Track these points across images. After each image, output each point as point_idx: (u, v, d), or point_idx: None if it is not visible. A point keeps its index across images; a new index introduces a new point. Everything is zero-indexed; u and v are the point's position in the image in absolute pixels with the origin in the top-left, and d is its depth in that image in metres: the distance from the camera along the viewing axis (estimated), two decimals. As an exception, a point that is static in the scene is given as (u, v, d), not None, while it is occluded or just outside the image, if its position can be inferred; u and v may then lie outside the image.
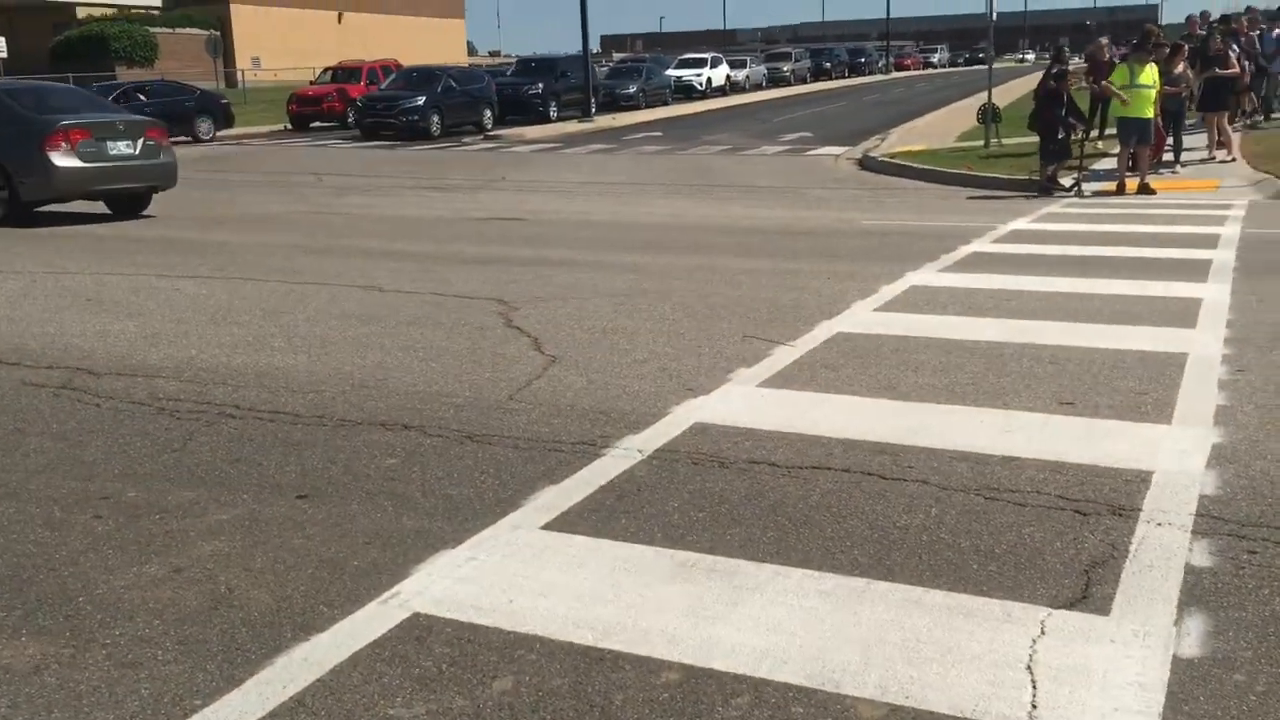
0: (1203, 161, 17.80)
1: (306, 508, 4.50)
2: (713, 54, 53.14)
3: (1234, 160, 17.73)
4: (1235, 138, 19.15)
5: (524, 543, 4.09)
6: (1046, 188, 15.81)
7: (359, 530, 4.26)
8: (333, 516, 4.40)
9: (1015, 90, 34.36)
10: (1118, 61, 17.79)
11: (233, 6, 68.58)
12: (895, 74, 72.29)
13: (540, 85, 34.97)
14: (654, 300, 8.51)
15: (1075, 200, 14.99)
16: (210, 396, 6.14)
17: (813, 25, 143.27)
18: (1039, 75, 18.22)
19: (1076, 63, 26.09)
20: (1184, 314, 7.55)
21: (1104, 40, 21.79)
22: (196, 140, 30.42)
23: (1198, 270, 9.15)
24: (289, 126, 35.47)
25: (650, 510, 4.38)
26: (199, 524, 4.36)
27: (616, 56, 58.49)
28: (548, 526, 4.24)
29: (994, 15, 21.20)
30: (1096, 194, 15.49)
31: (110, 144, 14.07)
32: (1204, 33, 20.62)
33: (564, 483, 4.69)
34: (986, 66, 24.61)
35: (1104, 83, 16.99)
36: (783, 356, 6.70)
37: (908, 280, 9.02)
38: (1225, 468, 4.64)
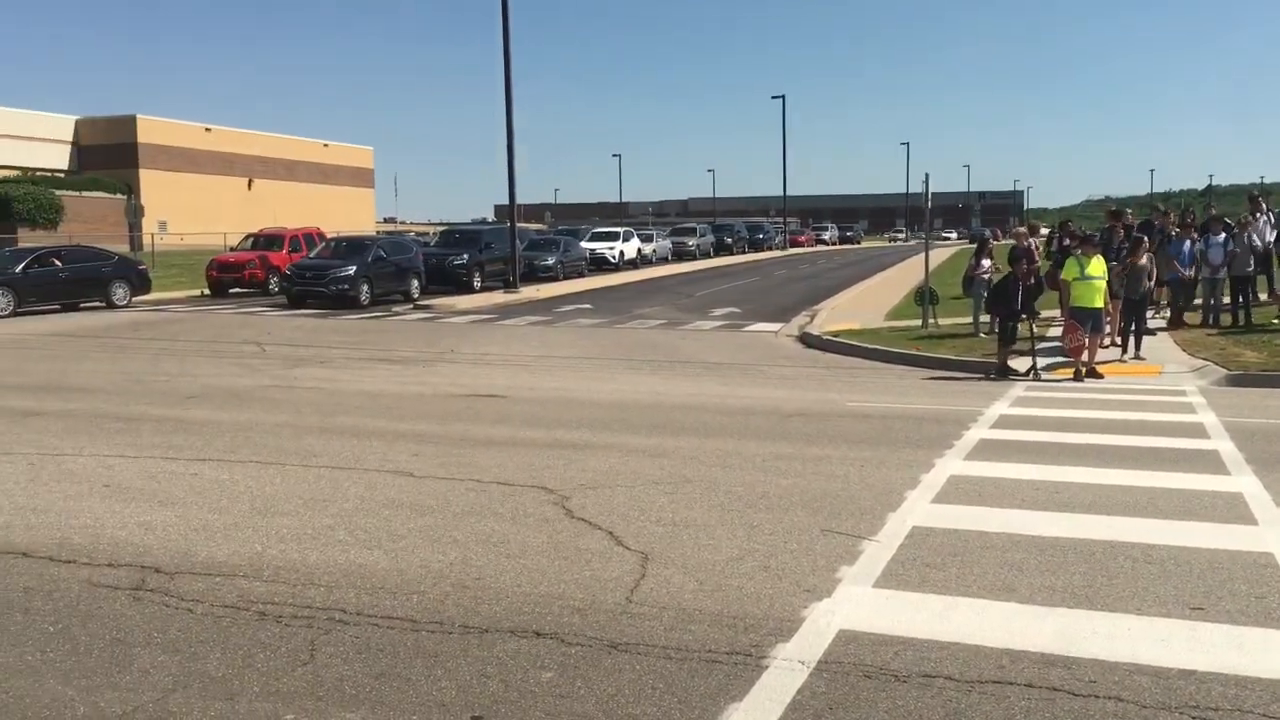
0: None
1: (498, 733, 4.25)
2: (624, 228, 54.80)
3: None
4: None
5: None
6: (1003, 370, 16.37)
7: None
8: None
9: (917, 268, 35.72)
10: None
11: (142, 172, 68.38)
12: (791, 250, 75.02)
13: (465, 256, 35.21)
14: (704, 490, 8.44)
15: (1034, 384, 15.49)
16: (306, 599, 5.84)
17: (702, 200, 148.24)
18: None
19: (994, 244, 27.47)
20: (1235, 509, 7.78)
21: (1022, 229, 23.04)
22: (111, 306, 29.47)
23: (1210, 462, 9.47)
24: (206, 292, 34.96)
25: (863, 732, 4.25)
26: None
27: (532, 228, 59.62)
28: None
29: (929, 201, 22.35)
30: (1050, 379, 16.04)
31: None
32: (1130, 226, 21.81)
33: (745, 700, 4.54)
34: (903, 244, 25.83)
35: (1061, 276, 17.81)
36: (876, 554, 6.67)
37: (941, 470, 9.13)
38: (1399, 679, 4.71)
